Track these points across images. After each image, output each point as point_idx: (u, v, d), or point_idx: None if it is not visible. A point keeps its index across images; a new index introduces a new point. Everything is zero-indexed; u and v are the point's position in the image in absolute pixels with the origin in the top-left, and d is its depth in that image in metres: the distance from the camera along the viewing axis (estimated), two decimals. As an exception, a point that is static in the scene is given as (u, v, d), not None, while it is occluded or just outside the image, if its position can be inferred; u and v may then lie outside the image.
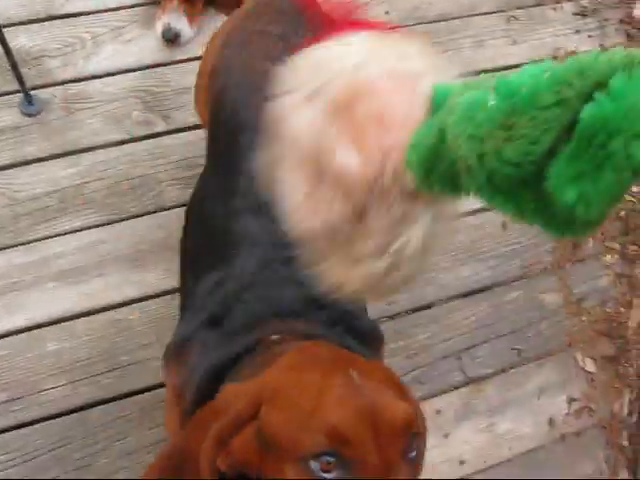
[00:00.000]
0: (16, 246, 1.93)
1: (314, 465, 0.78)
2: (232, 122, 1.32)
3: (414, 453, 0.83)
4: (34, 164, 2.02)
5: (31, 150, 2.03)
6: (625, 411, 2.01)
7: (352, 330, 1.17)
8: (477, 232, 2.15)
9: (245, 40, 1.38)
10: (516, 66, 2.24)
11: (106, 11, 2.22)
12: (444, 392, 1.95)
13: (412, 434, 0.83)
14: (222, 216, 1.26)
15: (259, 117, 1.26)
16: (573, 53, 2.46)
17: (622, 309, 2.13)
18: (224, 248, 1.23)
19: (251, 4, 1.50)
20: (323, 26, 1.40)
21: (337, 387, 0.82)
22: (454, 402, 1.94)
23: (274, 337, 1.07)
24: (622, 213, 2.26)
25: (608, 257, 2.20)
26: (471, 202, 2.32)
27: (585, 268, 2.18)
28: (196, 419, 0.93)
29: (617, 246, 2.22)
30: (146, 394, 1.84)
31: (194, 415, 0.94)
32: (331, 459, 0.77)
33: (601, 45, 2.50)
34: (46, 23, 2.18)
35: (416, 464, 0.85)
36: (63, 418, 1.80)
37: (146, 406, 1.83)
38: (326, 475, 0.77)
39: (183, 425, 1.06)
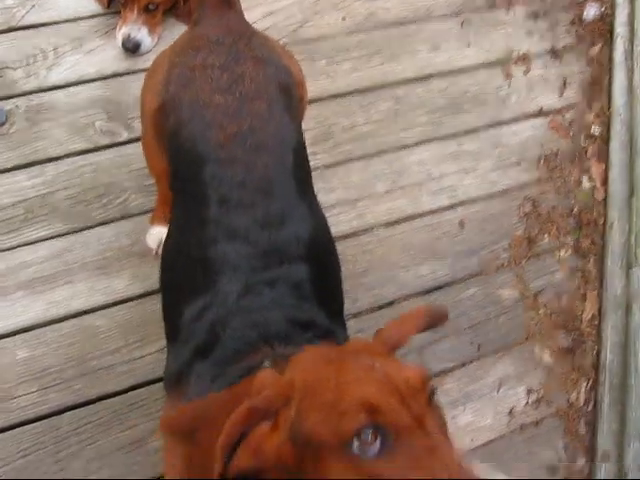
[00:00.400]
0: (-18, 257, 1.95)
1: (356, 446, 0.82)
2: (191, 157, 1.34)
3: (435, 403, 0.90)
4: (-1, 175, 2.05)
5: (-5, 161, 2.06)
6: (582, 400, 2.09)
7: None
8: (434, 231, 2.22)
9: (188, 76, 1.39)
10: (471, 68, 2.32)
11: (66, 21, 2.24)
12: (407, 387, 2.01)
13: (430, 387, 0.89)
14: (198, 246, 1.29)
15: (217, 149, 1.31)
16: (525, 56, 2.53)
17: (577, 302, 2.21)
18: (205, 276, 1.25)
19: (185, 39, 1.51)
20: (262, 49, 1.45)
21: (354, 372, 0.88)
22: (417, 396, 2.00)
23: (266, 364, 1.09)
24: (575, 209, 2.34)
25: (562, 252, 2.27)
26: (428, 202, 2.38)
27: (540, 263, 2.25)
28: (230, 391, 0.97)
29: (571, 241, 2.30)
30: (116, 397, 1.88)
31: (234, 385, 0.98)
32: (370, 432, 0.82)
33: (552, 47, 2.57)
34: (6, 34, 2.20)
35: (441, 410, 0.93)
36: (34, 424, 1.84)
37: (117, 409, 1.87)
38: (369, 450, 0.82)
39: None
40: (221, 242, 1.26)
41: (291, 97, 1.44)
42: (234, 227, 1.27)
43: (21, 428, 1.82)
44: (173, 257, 1.38)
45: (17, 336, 1.90)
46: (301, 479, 0.88)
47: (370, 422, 0.82)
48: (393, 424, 0.83)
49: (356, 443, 0.82)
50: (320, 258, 1.34)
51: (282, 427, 0.89)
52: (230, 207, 1.28)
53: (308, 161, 1.49)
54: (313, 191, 1.46)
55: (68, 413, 1.85)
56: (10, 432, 1.82)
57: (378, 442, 0.82)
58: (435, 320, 1.03)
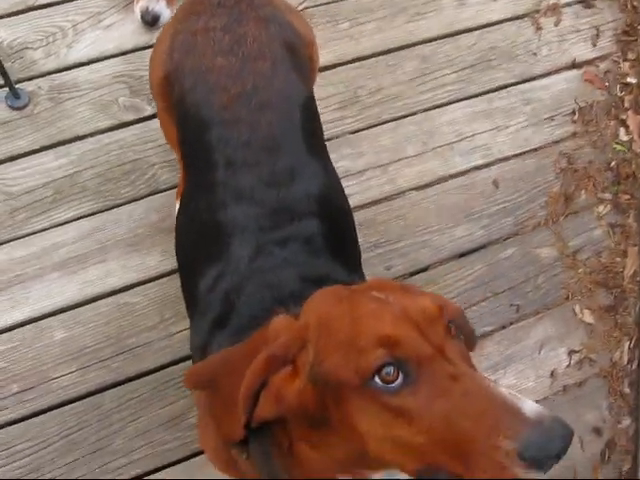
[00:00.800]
0: (15, 240, 1.96)
1: (378, 382, 0.81)
2: (197, 122, 1.33)
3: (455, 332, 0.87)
4: (26, 157, 2.04)
5: (22, 144, 2.05)
6: (625, 359, 2.05)
7: None
8: (468, 192, 2.17)
9: (191, 41, 1.37)
10: (499, 22, 2.24)
11: (84, -3, 2.22)
12: (446, 352, 1.99)
13: (446, 316, 0.87)
14: (207, 210, 1.28)
15: (221, 112, 1.29)
16: (555, 6, 2.45)
17: (617, 259, 2.16)
18: (216, 242, 1.24)
19: (187, 4, 1.48)
20: (265, 9, 1.41)
21: (368, 306, 0.86)
22: (456, 361, 1.97)
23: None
24: (613, 163, 2.27)
25: (601, 208, 2.21)
26: (461, 162, 2.33)
27: (578, 220, 2.19)
28: (247, 342, 0.95)
29: (609, 196, 2.23)
30: (156, 374, 1.88)
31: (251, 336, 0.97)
32: (391, 367, 0.80)
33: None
34: (25, 15, 2.17)
35: (462, 340, 0.89)
36: (76, 404, 1.85)
37: (157, 385, 1.87)
38: (390, 386, 0.80)
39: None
40: (230, 205, 1.25)
41: (298, 55, 1.41)
42: (241, 188, 1.25)
43: (63, 408, 1.84)
44: (185, 227, 1.38)
45: (54, 317, 1.91)
46: (323, 421, 0.87)
47: (389, 356, 0.81)
48: (413, 356, 0.81)
49: (377, 379, 0.80)
50: (332, 213, 1.31)
51: (301, 371, 0.87)
52: (236, 168, 1.26)
53: (319, 119, 1.46)
54: (324, 149, 1.43)
55: (109, 391, 1.86)
56: (53, 412, 1.83)
57: (400, 375, 0.81)
58: (461, 327, 0.96)
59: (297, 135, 1.31)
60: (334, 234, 1.28)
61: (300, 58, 1.42)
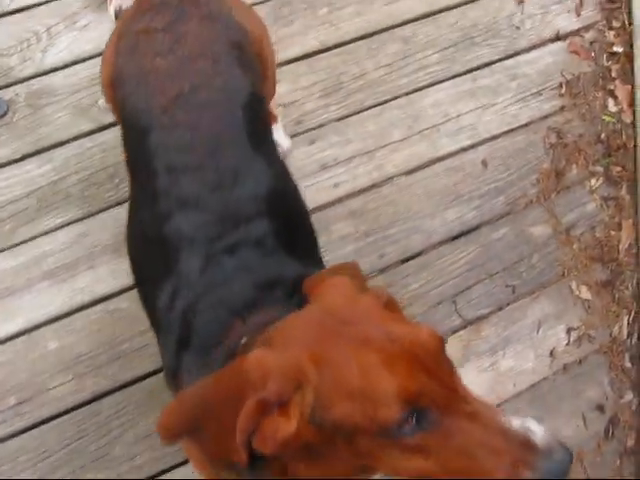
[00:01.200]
0: (3, 251, 1.94)
1: (397, 429, 0.81)
2: (137, 128, 1.29)
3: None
4: (9, 166, 2.02)
5: (4, 152, 2.03)
6: (625, 333, 2.03)
7: None
8: (457, 174, 2.14)
9: (132, 43, 1.33)
10: None
11: (55, 0, 2.18)
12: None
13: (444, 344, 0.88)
14: (153, 223, 1.23)
15: (160, 116, 1.26)
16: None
17: (612, 232, 2.13)
18: (165, 256, 1.20)
19: (134, 5, 1.45)
20: (210, 6, 1.38)
21: (372, 352, 0.84)
22: (454, 346, 1.96)
23: (243, 341, 1.05)
24: (603, 135, 2.24)
25: (593, 182, 2.18)
26: (448, 144, 2.30)
27: (571, 196, 2.17)
28: (221, 379, 0.91)
29: (600, 169, 2.20)
30: (151, 378, 1.87)
31: (224, 368, 0.93)
32: (410, 416, 0.81)
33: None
34: (-2, 21, 2.15)
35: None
36: (75, 413, 1.84)
37: (153, 390, 1.86)
38: (409, 430, 0.81)
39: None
40: (174, 215, 1.20)
41: (245, 52, 1.37)
42: (184, 196, 1.20)
43: (61, 418, 1.83)
44: (134, 241, 1.34)
45: (46, 327, 1.90)
46: (326, 451, 0.86)
47: (409, 409, 0.81)
48: (432, 404, 0.82)
49: (396, 427, 0.81)
50: (282, 209, 1.27)
51: (295, 412, 0.85)
52: (178, 174, 1.22)
53: (266, 114, 1.42)
54: (271, 142, 1.39)
55: (107, 398, 1.85)
56: (52, 423, 1.82)
57: (419, 419, 0.82)
58: None
59: (240, 134, 1.27)
60: (286, 230, 1.25)
61: (247, 55, 1.38)
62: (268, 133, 1.40)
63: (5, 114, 2.04)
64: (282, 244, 1.21)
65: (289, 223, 1.28)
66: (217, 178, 1.21)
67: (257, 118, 1.35)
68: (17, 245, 1.95)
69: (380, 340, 0.85)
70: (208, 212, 1.20)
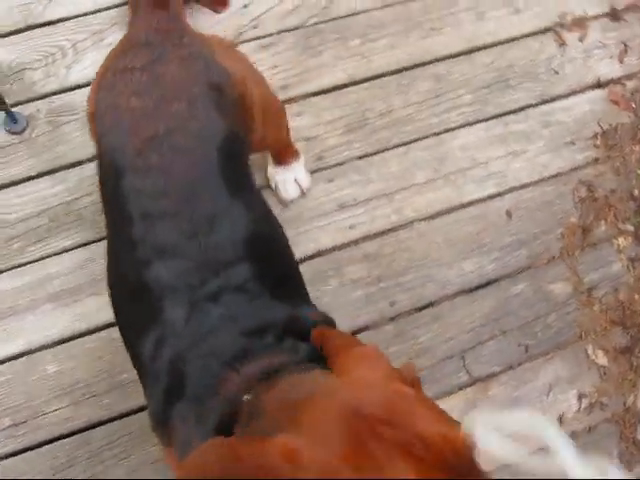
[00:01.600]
0: (9, 270, 1.93)
1: None
2: (111, 168, 1.26)
3: None
4: (23, 184, 2.00)
5: (19, 169, 2.00)
6: (639, 404, 1.95)
7: (302, 334, 1.13)
8: (479, 223, 2.07)
9: (112, 81, 1.31)
10: (519, 37, 2.10)
11: (85, 15, 2.15)
12: (449, 394, 1.91)
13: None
14: (133, 271, 1.21)
15: (134, 158, 1.22)
16: (581, 19, 2.31)
17: (636, 296, 2.04)
18: (147, 304, 1.17)
19: (119, 42, 1.43)
20: (191, 47, 1.35)
21: (408, 461, 0.75)
22: (459, 404, 1.90)
23: (245, 398, 1.01)
24: (636, 192, 2.14)
25: (621, 240, 2.09)
26: (473, 190, 2.22)
27: (596, 254, 2.08)
28: (247, 455, 0.81)
29: (631, 228, 2.11)
30: (146, 411, 1.84)
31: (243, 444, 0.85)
32: None
33: (611, 8, 2.33)
34: (24, 34, 2.12)
35: None
36: (68, 440, 1.83)
37: (147, 423, 1.83)
38: None
39: None
40: (153, 263, 1.17)
41: (224, 95, 1.33)
42: (161, 243, 1.17)
43: (54, 444, 1.82)
44: (116, 286, 1.31)
45: (47, 350, 1.88)
46: None
47: None
48: None
49: None
50: (263, 251, 1.24)
51: None
52: (154, 221, 1.18)
53: (244, 156, 1.38)
54: (251, 184, 1.35)
55: (101, 427, 1.84)
56: (44, 448, 1.81)
57: None
58: None
59: (216, 179, 1.23)
60: (269, 272, 1.21)
61: (227, 97, 1.33)
62: (248, 176, 1.36)
63: (24, 130, 2.02)
64: (266, 287, 1.18)
65: (271, 264, 1.25)
66: (193, 225, 1.18)
67: (235, 161, 1.31)
68: (24, 265, 1.93)
69: (417, 448, 0.77)
70: (187, 259, 1.17)
